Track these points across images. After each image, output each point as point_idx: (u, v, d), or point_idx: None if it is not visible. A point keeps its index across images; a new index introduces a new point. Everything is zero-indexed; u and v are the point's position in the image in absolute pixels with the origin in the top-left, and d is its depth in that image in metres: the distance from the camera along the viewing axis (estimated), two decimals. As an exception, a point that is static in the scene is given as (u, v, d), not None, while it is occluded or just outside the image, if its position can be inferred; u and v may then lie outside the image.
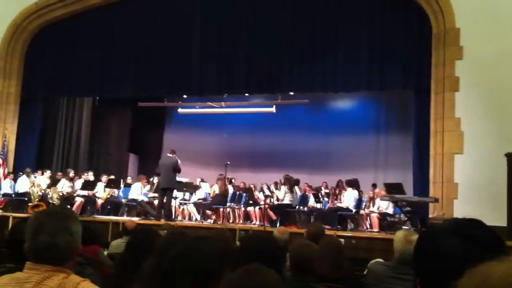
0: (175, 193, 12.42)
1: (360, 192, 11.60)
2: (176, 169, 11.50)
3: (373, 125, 15.88)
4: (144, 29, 12.93)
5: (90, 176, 13.15)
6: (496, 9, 9.80)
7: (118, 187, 13.43)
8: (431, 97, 10.29)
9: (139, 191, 12.52)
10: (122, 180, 14.17)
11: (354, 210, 11.13)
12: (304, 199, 11.90)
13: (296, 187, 11.74)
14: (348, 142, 15.44)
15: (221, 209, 11.93)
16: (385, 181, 11.11)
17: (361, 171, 13.90)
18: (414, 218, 9.65)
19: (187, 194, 13.14)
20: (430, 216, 9.61)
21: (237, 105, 15.43)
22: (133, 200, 12.50)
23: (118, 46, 13.09)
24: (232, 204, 12.30)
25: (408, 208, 9.67)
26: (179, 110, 16.04)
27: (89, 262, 3.15)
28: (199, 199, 12.90)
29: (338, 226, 10.60)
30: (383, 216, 11.16)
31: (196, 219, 12.38)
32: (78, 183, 12.84)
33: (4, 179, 12.80)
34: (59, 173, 13.47)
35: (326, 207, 12.21)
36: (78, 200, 12.24)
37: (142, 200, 12.36)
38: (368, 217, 11.62)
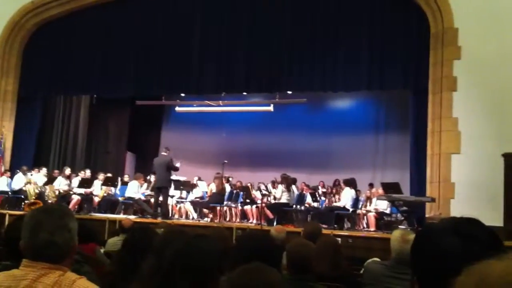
0: (172, 191, 12.42)
1: (357, 192, 11.62)
2: (171, 168, 11.51)
3: (372, 125, 15.90)
4: (142, 28, 12.90)
5: (87, 174, 13.13)
6: (495, 9, 9.80)
7: (115, 185, 13.42)
8: (428, 97, 10.30)
9: (136, 189, 12.51)
10: (119, 178, 14.16)
11: (351, 209, 11.14)
12: (301, 198, 11.91)
13: (293, 186, 11.75)
14: (347, 141, 15.45)
15: (218, 208, 11.93)
16: (383, 181, 11.12)
17: (360, 171, 13.92)
18: (411, 218, 9.67)
19: (184, 193, 13.13)
20: (427, 215, 9.63)
21: (235, 104, 15.42)
22: (130, 198, 12.49)
23: (116, 44, 13.06)
24: (229, 202, 12.30)
25: (405, 208, 9.69)
26: (177, 108, 16.04)
27: (86, 260, 3.15)
28: (196, 198, 12.89)
29: (335, 225, 10.61)
30: (380, 215, 11.18)
31: (193, 218, 12.38)
32: (75, 181, 12.84)
33: (1, 176, 12.77)
34: (56, 171, 13.46)
35: (323, 206, 12.23)
36: (75, 198, 12.23)
37: (139, 198, 12.36)
38: (365, 217, 11.64)
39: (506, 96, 9.50)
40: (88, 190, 12.46)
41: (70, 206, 11.62)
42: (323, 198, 12.91)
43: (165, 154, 11.73)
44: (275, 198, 11.70)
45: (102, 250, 5.45)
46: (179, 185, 12.59)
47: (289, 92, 13.20)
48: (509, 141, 9.13)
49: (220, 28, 12.35)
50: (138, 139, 17.88)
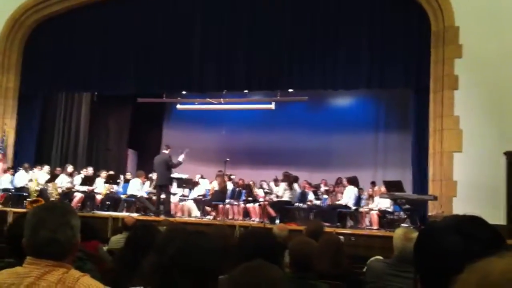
0: (175, 189, 12.44)
1: (359, 190, 11.62)
2: (170, 166, 11.53)
3: (373, 123, 15.90)
4: (143, 25, 12.88)
5: (89, 171, 13.15)
6: (496, 7, 9.78)
7: (117, 183, 13.43)
8: (430, 96, 10.29)
9: (138, 186, 12.52)
10: (121, 176, 14.17)
11: (353, 208, 11.14)
12: (303, 196, 11.91)
13: (295, 184, 11.75)
14: (348, 140, 15.45)
15: (220, 206, 11.94)
16: (384, 179, 11.11)
17: (361, 169, 13.90)
18: (414, 216, 9.67)
19: (187, 191, 13.15)
20: (430, 214, 9.63)
21: (236, 102, 15.42)
22: (132, 196, 12.50)
23: (117, 41, 13.05)
24: (231, 200, 12.31)
25: (407, 206, 9.68)
26: (178, 106, 16.04)
27: (89, 257, 3.16)
28: (198, 196, 12.91)
29: (338, 223, 10.61)
30: (382, 213, 11.18)
31: (195, 216, 12.38)
32: (77, 178, 12.85)
33: (4, 174, 12.79)
34: (58, 169, 13.47)
35: (325, 204, 12.23)
36: (78, 196, 12.25)
37: (141, 196, 12.38)
38: (368, 215, 11.64)
39: (507, 94, 9.49)
40: (90, 188, 12.49)
41: (73, 203, 11.66)
42: (325, 196, 12.91)
43: (165, 152, 11.75)
44: (277, 196, 11.70)
45: (105, 248, 5.47)
46: (182, 183, 12.61)
47: (290, 90, 13.20)
48: (511, 139, 9.12)
49: (220, 26, 12.32)
50: (140, 137, 17.89)
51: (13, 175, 12.62)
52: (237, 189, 12.46)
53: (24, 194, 12.31)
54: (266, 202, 11.70)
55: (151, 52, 12.75)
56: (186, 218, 11.79)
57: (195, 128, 17.10)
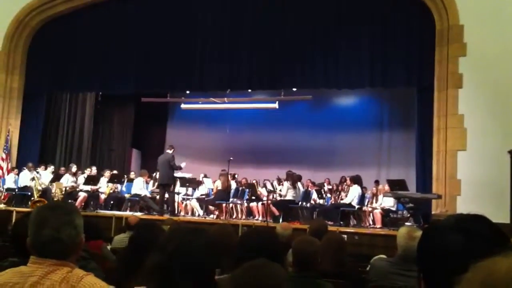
0: (178, 188, 12.46)
1: (363, 189, 11.61)
2: (173, 166, 11.57)
3: (376, 122, 15.89)
4: (146, 25, 12.89)
5: (93, 171, 13.18)
6: (500, 5, 9.76)
7: (121, 182, 13.46)
8: (434, 94, 10.26)
9: (141, 186, 12.55)
10: (125, 176, 14.20)
11: (357, 207, 11.13)
12: (307, 195, 11.91)
13: (298, 183, 11.75)
14: (351, 139, 15.44)
15: (224, 205, 11.95)
16: (387, 178, 11.09)
17: (364, 168, 13.90)
18: (417, 215, 9.65)
19: (190, 190, 13.17)
20: (433, 212, 9.61)
21: (240, 101, 15.43)
22: (136, 195, 12.53)
23: (120, 42, 13.08)
24: (235, 199, 12.32)
25: (411, 205, 9.66)
26: (182, 105, 16.06)
27: (92, 256, 3.17)
28: (202, 195, 12.93)
29: (341, 222, 10.61)
30: (386, 212, 11.17)
31: (199, 215, 12.40)
32: (81, 178, 12.89)
33: (8, 174, 12.83)
34: (62, 168, 13.51)
35: (329, 203, 12.22)
36: (82, 195, 12.29)
37: (145, 195, 12.40)
38: (371, 214, 11.63)
39: (512, 92, 9.46)
40: (94, 187, 12.52)
41: (77, 203, 11.69)
42: (328, 195, 12.91)
43: (169, 152, 11.80)
44: (280, 195, 11.70)
45: (109, 247, 5.47)
46: (185, 182, 12.63)
47: (294, 89, 13.20)
48: (515, 138, 9.10)
49: (223, 26, 12.34)
50: (143, 136, 17.93)
51: (18, 175, 12.66)
52: (240, 188, 12.46)
53: (28, 193, 12.36)
54: (270, 201, 11.70)
55: (154, 52, 12.77)
56: (189, 217, 11.81)
57: (199, 127, 17.13)
